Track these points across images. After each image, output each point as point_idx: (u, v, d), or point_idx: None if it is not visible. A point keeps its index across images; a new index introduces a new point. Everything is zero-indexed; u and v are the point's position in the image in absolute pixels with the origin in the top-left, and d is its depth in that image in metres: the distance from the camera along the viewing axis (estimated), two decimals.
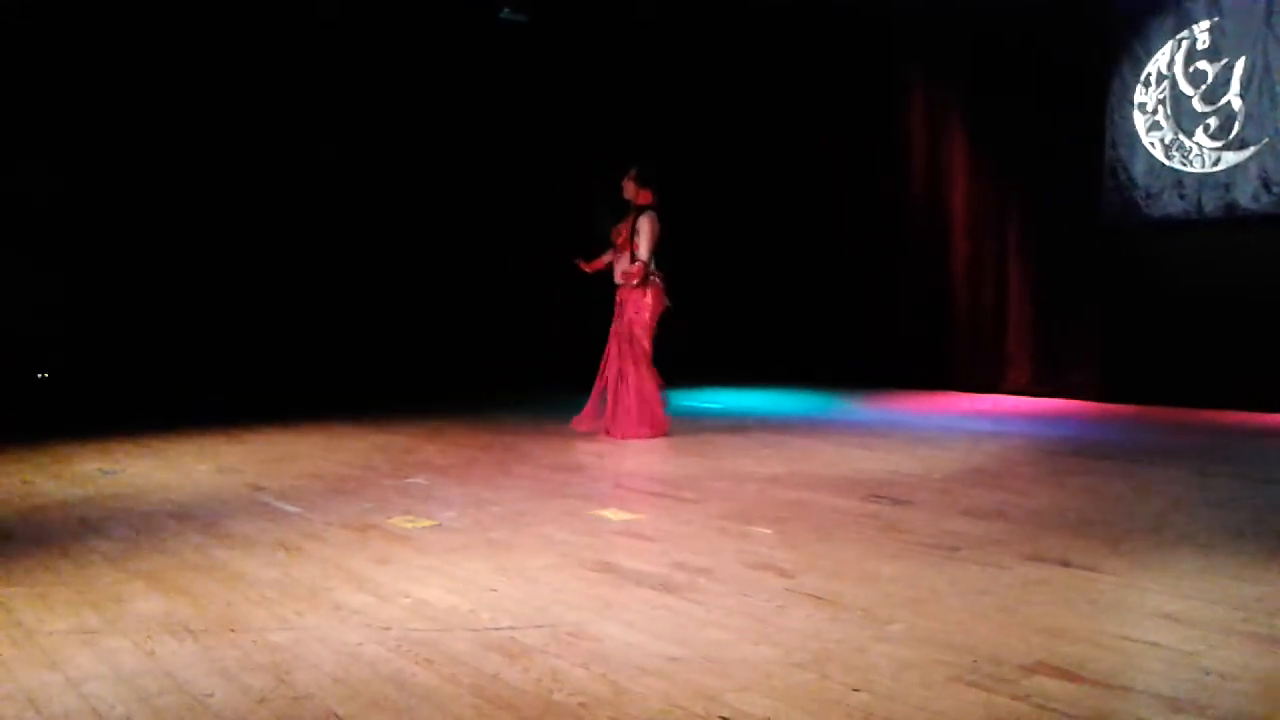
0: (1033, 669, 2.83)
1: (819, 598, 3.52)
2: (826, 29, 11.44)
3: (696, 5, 11.47)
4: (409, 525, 4.73)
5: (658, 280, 7.42)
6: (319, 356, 10.29)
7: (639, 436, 7.33)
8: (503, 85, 11.24)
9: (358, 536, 4.52)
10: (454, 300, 11.10)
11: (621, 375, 7.40)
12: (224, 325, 9.93)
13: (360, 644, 3.13)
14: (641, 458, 6.68)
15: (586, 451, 6.90)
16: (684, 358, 11.75)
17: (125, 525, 4.79)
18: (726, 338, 12.21)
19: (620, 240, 7.48)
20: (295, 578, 3.87)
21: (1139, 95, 9.21)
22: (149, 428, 7.92)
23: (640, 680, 2.81)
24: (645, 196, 7.42)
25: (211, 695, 2.76)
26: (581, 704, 2.66)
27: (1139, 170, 9.18)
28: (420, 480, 5.86)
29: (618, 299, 7.49)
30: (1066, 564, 3.90)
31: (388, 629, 3.26)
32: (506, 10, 11.13)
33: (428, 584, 3.77)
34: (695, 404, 9.64)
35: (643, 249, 7.31)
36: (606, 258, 7.63)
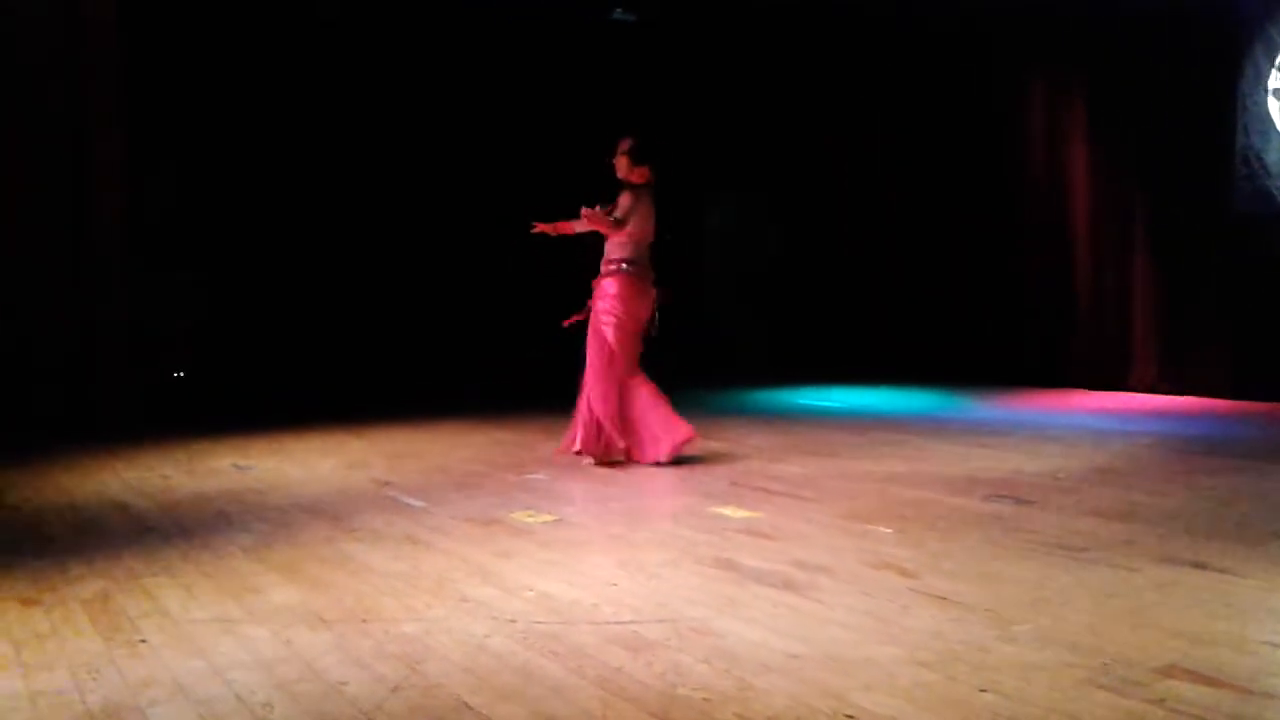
0: (1167, 672, 2.77)
1: (942, 598, 3.48)
2: (941, 26, 11.24)
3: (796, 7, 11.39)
4: (531, 520, 4.81)
5: (635, 272, 6.24)
6: (437, 354, 10.49)
7: (586, 454, 6.21)
8: (539, 82, 11.23)
9: (482, 530, 4.61)
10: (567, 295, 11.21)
11: (587, 380, 6.25)
12: (347, 324, 10.19)
13: (487, 636, 3.20)
14: (759, 457, 6.65)
15: (702, 450, 6.90)
16: (803, 357, 11.75)
17: (259, 519, 4.97)
18: (847, 336, 12.11)
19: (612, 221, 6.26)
20: (423, 570, 3.97)
21: (1273, 81, 8.86)
22: (277, 424, 8.17)
23: (764, 677, 2.82)
24: (641, 175, 6.29)
25: (347, 684, 2.86)
26: (706, 699, 2.69)
27: (1273, 159, 8.83)
28: (541, 476, 5.95)
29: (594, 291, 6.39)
30: (1201, 566, 3.79)
31: (513, 621, 3.33)
32: (619, 10, 11.19)
33: (550, 578, 3.83)
34: (813, 402, 9.58)
35: (629, 221, 6.20)
36: (579, 226, 6.45)
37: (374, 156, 10.29)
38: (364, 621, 3.37)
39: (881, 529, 4.51)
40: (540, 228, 6.61)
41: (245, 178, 9.87)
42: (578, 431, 6.25)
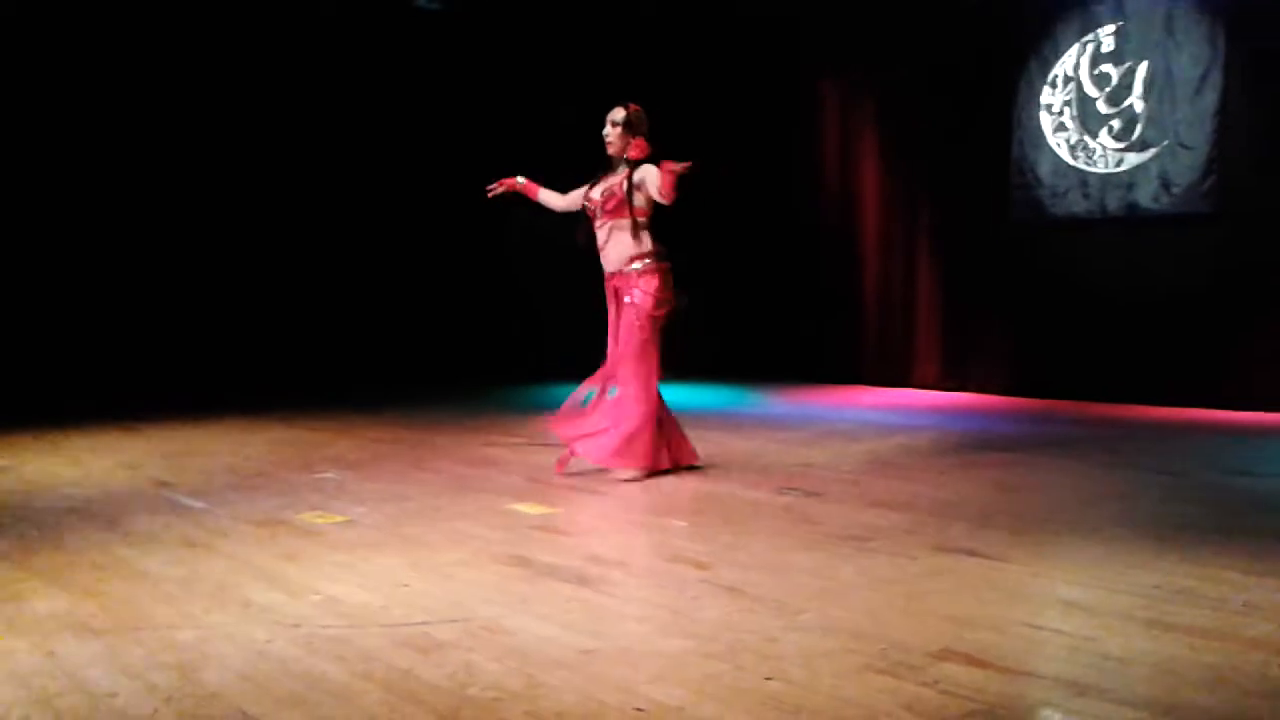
0: (940, 656, 2.89)
1: (732, 589, 3.54)
2: (736, 30, 11.45)
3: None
4: (319, 521, 4.66)
5: (665, 263, 5.72)
6: (222, 349, 10.05)
7: (616, 465, 5.61)
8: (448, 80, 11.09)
9: (266, 533, 4.44)
10: (369, 293, 10.94)
11: (621, 382, 5.75)
12: (118, 316, 9.65)
13: (269, 641, 3.08)
14: (557, 453, 6.63)
15: (501, 446, 6.86)
16: (598, 354, 11.77)
17: (22, 521, 4.65)
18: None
19: (611, 206, 5.64)
20: (202, 575, 3.79)
21: (1046, 96, 9.42)
22: (44, 421, 7.67)
23: (555, 673, 2.80)
24: (639, 149, 5.63)
25: (115, 695, 2.70)
26: (495, 698, 2.65)
27: (1045, 170, 9.40)
28: (331, 475, 5.78)
29: (612, 286, 5.78)
30: (973, 554, 3.98)
31: (297, 626, 3.21)
32: None
33: (339, 580, 3.72)
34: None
35: (663, 194, 5.42)
36: (557, 200, 5.97)
37: (132, 141, 9.76)
38: (136, 630, 3.19)
39: (676, 523, 4.57)
40: (504, 184, 5.89)
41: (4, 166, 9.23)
42: (594, 438, 5.68)
